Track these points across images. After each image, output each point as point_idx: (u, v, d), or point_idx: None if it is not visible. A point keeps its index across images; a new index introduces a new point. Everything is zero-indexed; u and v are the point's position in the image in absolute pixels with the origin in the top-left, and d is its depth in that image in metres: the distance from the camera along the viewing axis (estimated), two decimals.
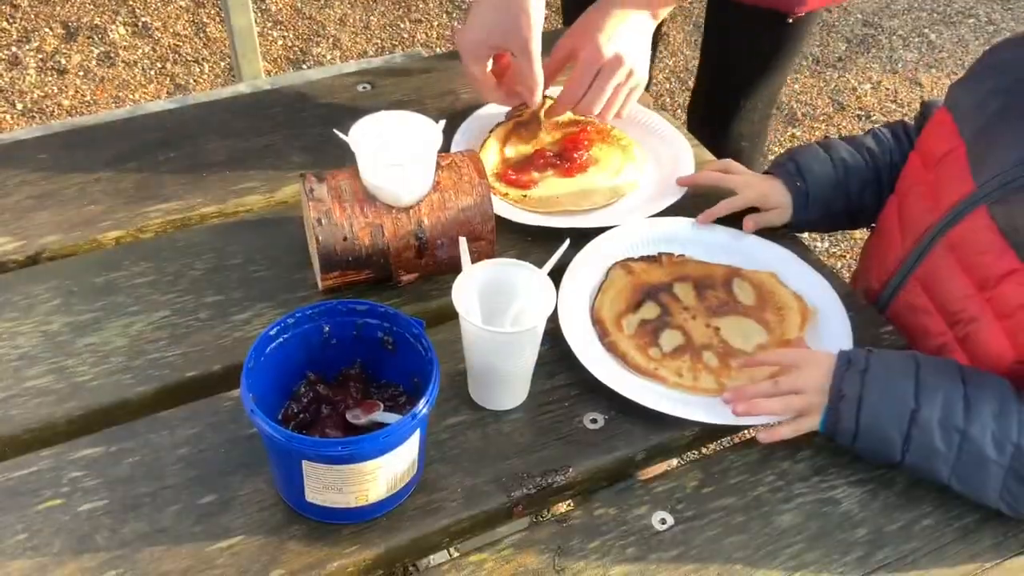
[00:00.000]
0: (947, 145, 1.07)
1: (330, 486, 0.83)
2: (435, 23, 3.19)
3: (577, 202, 1.21)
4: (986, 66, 1.10)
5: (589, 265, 1.13)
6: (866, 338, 1.07)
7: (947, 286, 1.03)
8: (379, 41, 3.10)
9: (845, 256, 2.50)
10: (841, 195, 1.18)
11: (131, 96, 2.80)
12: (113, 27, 3.03)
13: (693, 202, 1.22)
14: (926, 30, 3.33)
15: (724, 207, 1.18)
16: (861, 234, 2.55)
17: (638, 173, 1.26)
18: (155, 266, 1.11)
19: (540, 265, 0.94)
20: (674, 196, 1.21)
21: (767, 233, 1.19)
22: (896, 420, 0.89)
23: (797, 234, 1.22)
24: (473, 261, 0.95)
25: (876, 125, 1.25)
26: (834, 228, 1.27)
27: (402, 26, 3.18)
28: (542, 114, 1.28)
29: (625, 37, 1.19)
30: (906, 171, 1.16)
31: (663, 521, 0.90)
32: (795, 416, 0.95)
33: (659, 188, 1.24)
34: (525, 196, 1.21)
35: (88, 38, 2.99)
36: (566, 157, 1.25)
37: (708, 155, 1.33)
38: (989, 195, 0.99)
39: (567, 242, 0.99)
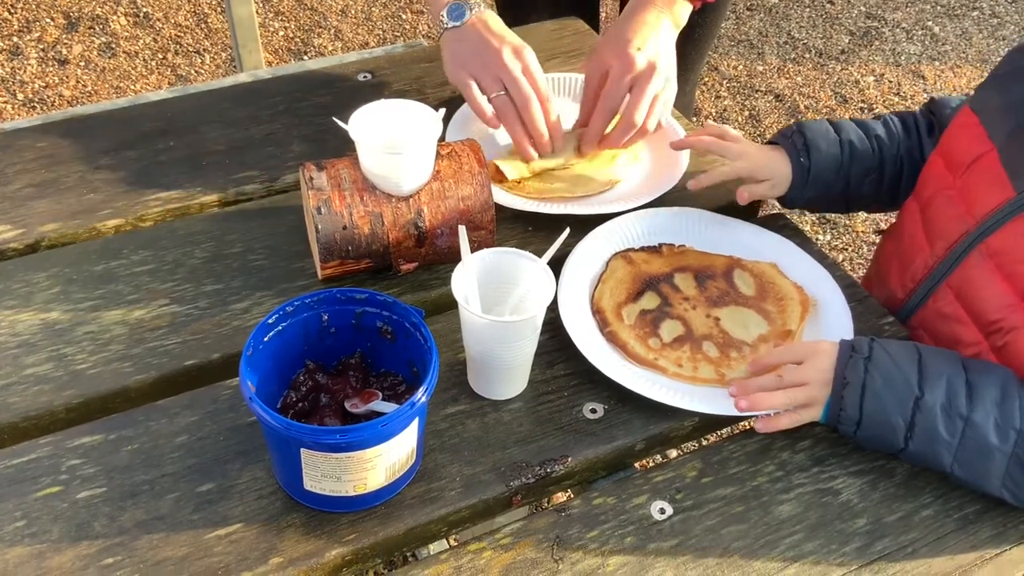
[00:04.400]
0: (976, 149, 1.05)
1: (328, 474, 0.83)
2: None
3: (572, 189, 1.20)
4: (1014, 69, 1.07)
5: (589, 255, 1.12)
6: (867, 329, 1.07)
7: (984, 295, 1.00)
8: (380, 32, 3.10)
9: (847, 249, 2.49)
10: (842, 179, 1.15)
11: (132, 87, 2.79)
12: (114, 17, 3.03)
13: (693, 193, 1.21)
14: (929, 23, 3.33)
15: (714, 176, 1.17)
16: (863, 227, 2.54)
17: (633, 160, 1.26)
18: (154, 255, 1.11)
19: (540, 254, 0.94)
20: (670, 183, 1.21)
21: (768, 224, 1.19)
22: (900, 406, 0.89)
23: (797, 225, 1.22)
24: (473, 250, 0.95)
25: (888, 113, 1.22)
26: (827, 210, 1.24)
27: (404, 17, 3.17)
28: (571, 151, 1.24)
29: (655, 46, 1.17)
30: (928, 175, 1.13)
31: (662, 511, 0.90)
32: (797, 407, 0.94)
33: (655, 175, 1.24)
34: (520, 183, 1.20)
35: (89, 28, 2.98)
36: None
37: None
38: None
39: (567, 231, 0.99)
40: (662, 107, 1.19)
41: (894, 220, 1.22)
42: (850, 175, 1.15)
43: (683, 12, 1.24)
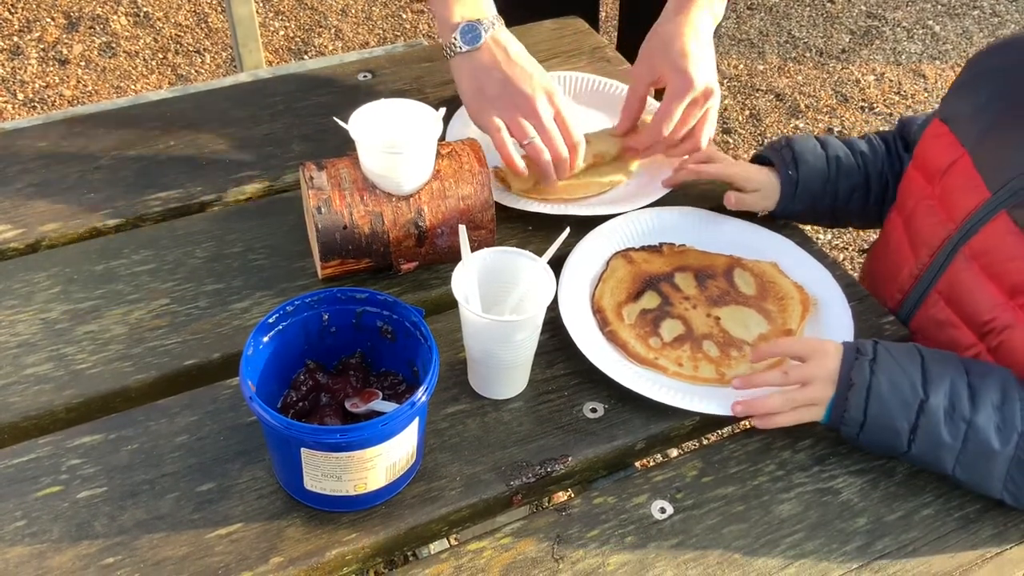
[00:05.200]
0: (949, 156, 1.06)
1: (329, 474, 0.83)
2: None
3: (572, 191, 1.20)
4: (976, 74, 1.09)
5: (590, 254, 1.12)
6: (867, 328, 1.07)
7: (973, 297, 1.01)
8: (381, 32, 3.10)
9: (848, 248, 2.49)
10: (829, 193, 1.17)
11: (133, 87, 2.79)
12: (115, 17, 3.03)
13: (693, 192, 1.22)
14: (930, 22, 3.32)
15: (701, 173, 1.18)
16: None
17: (634, 161, 1.26)
18: (155, 254, 1.11)
19: (540, 254, 0.94)
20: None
21: (768, 223, 1.19)
22: (904, 410, 0.89)
23: (797, 225, 1.21)
24: (473, 250, 0.95)
25: (869, 132, 1.24)
26: (816, 223, 1.25)
27: (404, 16, 3.17)
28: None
29: (706, 59, 1.15)
30: (907, 187, 1.14)
31: (662, 510, 0.90)
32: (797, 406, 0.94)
33: (654, 176, 1.24)
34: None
35: (90, 28, 2.98)
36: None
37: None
38: (1007, 200, 0.97)
39: (567, 231, 0.99)
40: (713, 122, 1.18)
41: (876, 238, 1.23)
42: (838, 190, 1.17)
43: (721, 8, 1.22)
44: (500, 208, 1.12)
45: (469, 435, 0.95)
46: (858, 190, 1.18)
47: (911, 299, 1.10)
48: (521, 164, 1.13)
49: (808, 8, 3.35)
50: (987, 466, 0.88)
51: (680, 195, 1.21)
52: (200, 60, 2.91)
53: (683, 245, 1.15)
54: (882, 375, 0.90)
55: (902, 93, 3.00)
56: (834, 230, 2.54)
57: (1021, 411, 0.88)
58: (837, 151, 1.17)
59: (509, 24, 1.19)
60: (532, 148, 1.12)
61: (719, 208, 1.19)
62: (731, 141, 2.78)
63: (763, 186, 1.16)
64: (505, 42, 1.14)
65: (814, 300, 1.09)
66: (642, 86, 1.20)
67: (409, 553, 0.92)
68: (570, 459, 0.93)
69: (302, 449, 0.81)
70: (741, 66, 3.07)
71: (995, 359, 0.98)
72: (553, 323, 1.03)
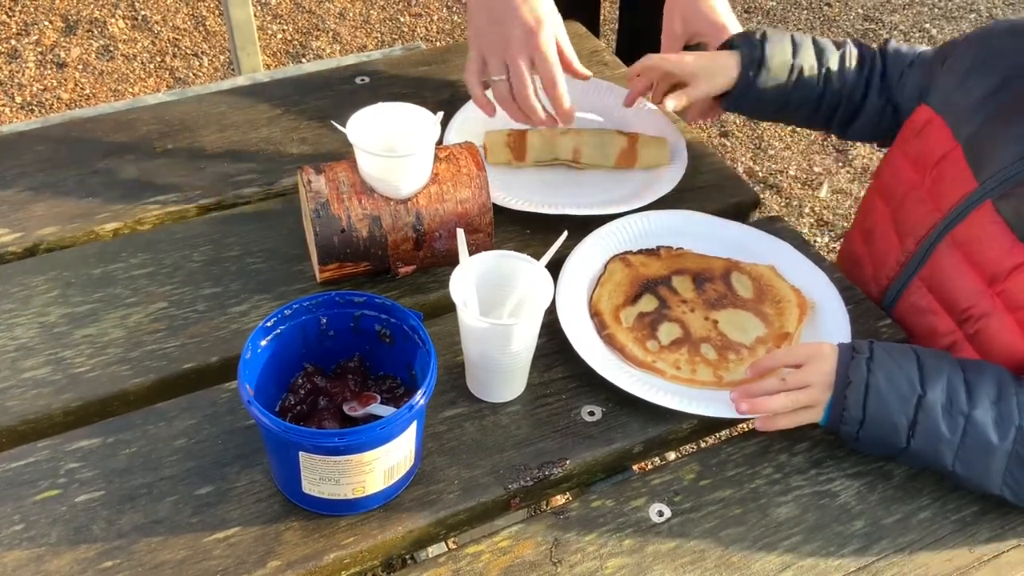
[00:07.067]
0: (942, 149, 1.08)
1: (327, 477, 0.83)
2: (435, 17, 3.19)
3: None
4: (981, 55, 1.09)
5: (587, 257, 1.13)
6: (864, 331, 1.07)
7: (955, 284, 1.03)
8: (379, 35, 3.10)
9: None
10: (780, 99, 1.18)
11: (130, 90, 2.79)
12: (112, 20, 3.03)
13: (691, 195, 1.22)
14: (927, 25, 3.33)
15: (688, 95, 1.18)
16: None
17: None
18: (153, 258, 1.11)
19: (538, 257, 0.94)
20: (668, 186, 1.21)
21: (766, 226, 1.19)
22: (903, 405, 0.89)
23: (795, 228, 1.22)
24: (471, 253, 0.95)
25: (851, 39, 1.23)
26: (752, 117, 1.28)
27: (402, 20, 3.17)
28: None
29: (730, 10, 1.24)
30: (895, 175, 1.16)
31: (660, 513, 0.90)
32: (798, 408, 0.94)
33: (652, 178, 1.24)
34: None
35: (87, 31, 2.98)
36: None
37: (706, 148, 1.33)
38: (993, 191, 1.00)
39: (565, 234, 0.99)
40: None
41: (850, 226, 1.25)
42: (789, 100, 1.18)
43: None
44: (498, 211, 1.12)
45: (467, 438, 0.95)
46: (807, 105, 1.19)
47: (895, 286, 1.12)
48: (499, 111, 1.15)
49: (806, 11, 3.36)
50: (985, 461, 0.89)
51: (678, 198, 1.21)
52: (198, 63, 2.92)
53: (680, 248, 1.15)
54: (879, 372, 0.90)
55: None
56: (831, 234, 2.54)
57: (1018, 406, 0.89)
58: (803, 62, 1.18)
59: None
60: (496, 88, 1.12)
61: (717, 212, 1.20)
62: (728, 144, 2.79)
63: (699, 70, 1.17)
64: None
65: (811, 303, 1.09)
66: (678, 43, 1.24)
67: (407, 557, 0.92)
68: (568, 462, 0.93)
69: (300, 453, 0.81)
70: None
71: (972, 347, 1.01)
72: (551, 326, 1.03)
